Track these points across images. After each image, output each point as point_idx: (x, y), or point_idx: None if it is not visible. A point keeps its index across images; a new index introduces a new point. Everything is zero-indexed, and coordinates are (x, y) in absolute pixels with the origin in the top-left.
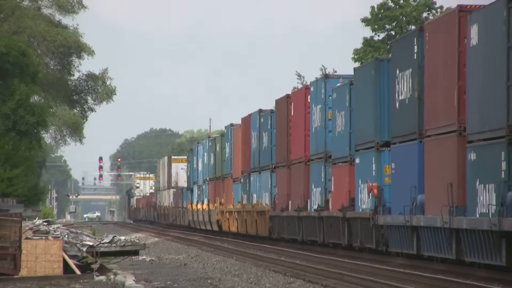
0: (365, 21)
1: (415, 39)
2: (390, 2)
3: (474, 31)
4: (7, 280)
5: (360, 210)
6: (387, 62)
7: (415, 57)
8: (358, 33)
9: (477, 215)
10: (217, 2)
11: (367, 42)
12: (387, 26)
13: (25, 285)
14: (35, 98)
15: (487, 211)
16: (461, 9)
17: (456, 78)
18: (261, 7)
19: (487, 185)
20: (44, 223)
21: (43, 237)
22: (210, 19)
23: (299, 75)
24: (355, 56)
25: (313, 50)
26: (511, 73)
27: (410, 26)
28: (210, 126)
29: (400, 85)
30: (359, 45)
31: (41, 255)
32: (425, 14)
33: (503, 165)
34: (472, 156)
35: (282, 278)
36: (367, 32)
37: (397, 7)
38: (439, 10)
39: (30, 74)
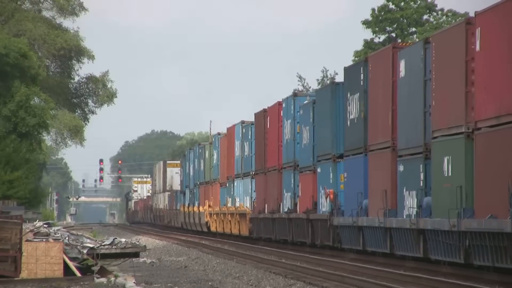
0: (366, 23)
1: (362, 68)
2: (391, 4)
3: (402, 65)
4: (8, 282)
5: (321, 212)
6: (341, 86)
7: (362, 84)
8: (360, 34)
9: (404, 216)
10: (219, 2)
11: (368, 44)
12: (388, 28)
13: (25, 287)
14: (36, 100)
15: (410, 213)
16: (394, 46)
17: (390, 103)
18: (262, 8)
19: (410, 192)
20: (44, 225)
21: (44, 239)
22: (210, 19)
23: (300, 77)
24: (356, 58)
25: (314, 50)
26: (427, 101)
27: (410, 28)
28: (210, 129)
29: (350, 106)
30: (359, 46)
31: (41, 257)
32: (426, 16)
33: (421, 176)
34: (401, 167)
35: (283, 280)
36: (368, 34)
37: (398, 9)
38: (439, 12)
39: (31, 76)
